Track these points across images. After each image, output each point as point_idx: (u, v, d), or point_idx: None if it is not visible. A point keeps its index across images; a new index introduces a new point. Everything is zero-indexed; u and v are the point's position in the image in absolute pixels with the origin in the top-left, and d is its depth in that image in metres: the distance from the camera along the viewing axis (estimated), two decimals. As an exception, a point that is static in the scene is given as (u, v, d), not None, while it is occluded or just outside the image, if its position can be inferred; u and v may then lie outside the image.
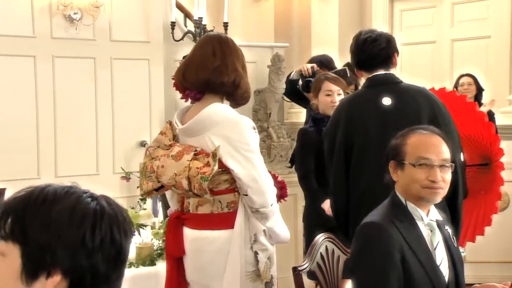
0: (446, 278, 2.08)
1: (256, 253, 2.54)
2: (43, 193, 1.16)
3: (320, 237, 2.65)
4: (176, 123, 2.62)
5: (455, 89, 5.11)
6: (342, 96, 3.59)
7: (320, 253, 2.60)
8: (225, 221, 2.53)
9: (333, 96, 3.62)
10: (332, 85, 3.65)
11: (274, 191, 2.58)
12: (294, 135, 4.26)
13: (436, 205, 2.18)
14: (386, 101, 2.89)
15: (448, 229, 2.18)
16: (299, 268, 2.49)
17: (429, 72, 6.04)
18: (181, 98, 2.68)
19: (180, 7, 5.34)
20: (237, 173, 2.48)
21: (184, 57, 3.05)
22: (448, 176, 2.09)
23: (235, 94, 2.58)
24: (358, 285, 2.01)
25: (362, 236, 2.06)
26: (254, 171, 2.49)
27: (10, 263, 1.13)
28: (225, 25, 4.94)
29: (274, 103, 4.80)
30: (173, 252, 2.64)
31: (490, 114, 5.12)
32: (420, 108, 2.86)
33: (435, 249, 2.08)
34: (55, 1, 4.27)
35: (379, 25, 6.57)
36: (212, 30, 4.98)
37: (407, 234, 2.03)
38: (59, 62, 4.34)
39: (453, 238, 2.18)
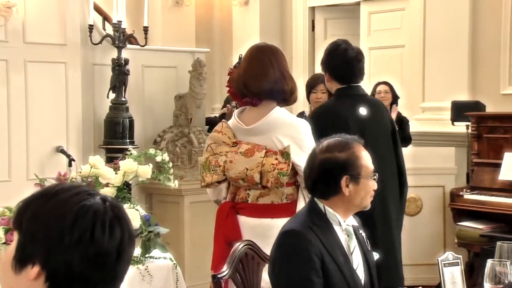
0: (362, 282, 2.12)
1: None
2: (50, 188, 1.20)
3: (240, 244, 2.65)
4: (239, 123, 2.91)
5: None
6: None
7: (240, 260, 2.60)
8: (283, 210, 2.85)
9: None
10: None
11: None
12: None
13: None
14: (363, 111, 3.18)
15: (362, 233, 2.23)
16: (218, 276, 2.47)
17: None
18: (239, 104, 2.93)
19: (98, 9, 5.23)
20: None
21: (234, 67, 3.36)
22: None
23: (290, 99, 2.94)
24: None
25: (282, 245, 2.07)
26: None
27: (9, 250, 1.18)
28: (145, 29, 4.86)
29: (195, 109, 4.78)
30: (231, 237, 2.88)
31: (405, 121, 5.30)
32: (386, 119, 3.29)
33: (352, 253, 2.12)
34: (-36, 0, 4.07)
35: (300, 32, 6.68)
36: (132, 34, 4.90)
37: (325, 239, 2.05)
38: (-32, 64, 4.14)
39: (367, 242, 2.23)
